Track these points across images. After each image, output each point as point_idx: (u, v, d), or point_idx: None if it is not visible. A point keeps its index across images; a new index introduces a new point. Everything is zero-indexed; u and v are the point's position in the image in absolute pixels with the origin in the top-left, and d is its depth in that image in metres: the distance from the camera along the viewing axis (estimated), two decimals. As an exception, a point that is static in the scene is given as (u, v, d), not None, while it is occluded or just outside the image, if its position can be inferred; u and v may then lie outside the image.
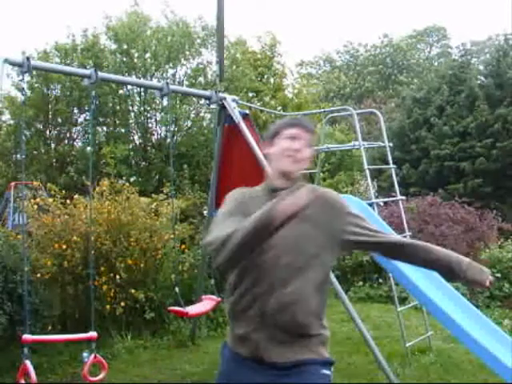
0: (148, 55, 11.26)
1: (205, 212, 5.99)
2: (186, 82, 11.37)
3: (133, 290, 5.29)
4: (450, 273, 2.02)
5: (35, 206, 5.41)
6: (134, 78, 10.24)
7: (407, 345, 4.83)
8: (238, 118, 4.39)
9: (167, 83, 4.25)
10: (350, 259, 8.29)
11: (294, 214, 1.62)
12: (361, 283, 8.09)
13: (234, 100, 4.54)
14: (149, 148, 11.60)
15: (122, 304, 5.22)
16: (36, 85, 10.91)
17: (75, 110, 11.50)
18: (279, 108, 12.80)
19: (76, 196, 5.70)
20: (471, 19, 49.61)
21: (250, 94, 12.78)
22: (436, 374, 4.48)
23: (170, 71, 11.66)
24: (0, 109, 11.28)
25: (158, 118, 11.54)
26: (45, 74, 10.34)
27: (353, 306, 3.94)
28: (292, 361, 1.88)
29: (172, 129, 10.77)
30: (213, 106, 4.91)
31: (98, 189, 5.61)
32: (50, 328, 4.67)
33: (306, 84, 16.02)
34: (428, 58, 33.89)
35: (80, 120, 11.74)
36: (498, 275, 7.66)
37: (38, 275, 4.79)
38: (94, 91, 8.63)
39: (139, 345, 5.26)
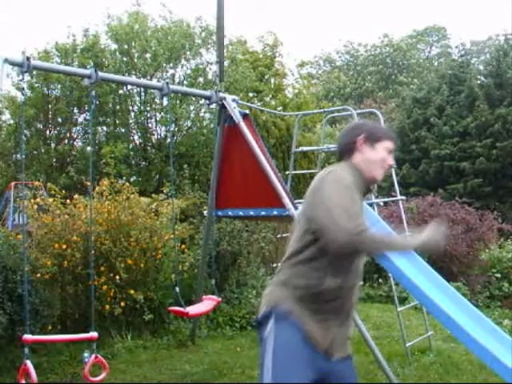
0: (148, 55, 11.26)
1: (205, 212, 5.98)
2: (185, 82, 11.36)
3: (132, 291, 5.28)
4: None
5: (35, 206, 5.41)
6: (134, 78, 10.23)
7: (407, 345, 4.83)
8: (238, 118, 4.39)
9: (167, 83, 4.25)
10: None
11: None
12: (361, 283, 8.09)
13: (234, 100, 4.54)
14: (149, 148, 11.60)
15: (122, 304, 5.22)
16: (36, 85, 10.90)
17: (75, 110, 11.49)
18: (279, 108, 12.80)
19: (76, 196, 5.69)
20: (471, 19, 49.64)
21: (251, 94, 12.78)
22: (436, 374, 4.48)
23: (170, 71, 11.66)
24: (0, 109, 11.27)
25: (157, 118, 11.53)
26: (45, 74, 10.33)
27: (353, 306, 3.94)
28: (343, 356, 2.05)
29: (172, 129, 10.77)
30: (213, 106, 4.91)
31: (97, 189, 5.60)
32: (49, 328, 4.66)
33: (307, 84, 15.99)
34: (428, 57, 33.90)
35: (80, 120, 11.74)
36: (498, 275, 7.67)
37: (38, 275, 4.78)
38: (93, 91, 8.62)
39: (139, 345, 5.26)
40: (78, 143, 11.94)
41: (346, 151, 2.14)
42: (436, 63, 32.39)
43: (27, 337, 3.31)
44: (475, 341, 3.39)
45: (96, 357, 3.51)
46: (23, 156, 9.26)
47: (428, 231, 1.99)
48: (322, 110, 7.98)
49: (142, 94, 11.32)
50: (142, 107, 11.35)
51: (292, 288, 1.98)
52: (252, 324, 6.00)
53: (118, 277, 5.17)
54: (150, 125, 11.64)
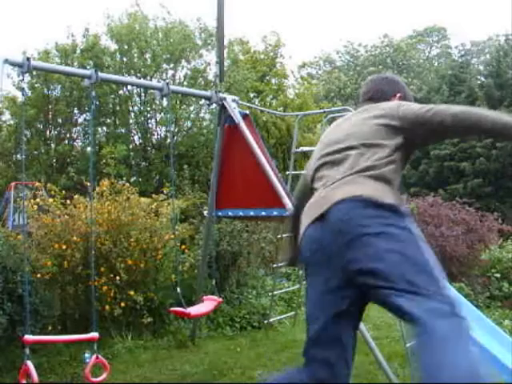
0: (148, 55, 11.27)
1: (205, 212, 5.98)
2: (185, 83, 11.37)
3: (132, 292, 5.28)
4: None
5: (35, 207, 5.41)
6: (133, 79, 10.24)
7: (407, 345, 4.82)
8: (238, 118, 4.39)
9: (167, 83, 4.25)
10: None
11: None
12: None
13: (234, 100, 4.54)
14: (149, 148, 11.62)
15: (122, 304, 5.22)
16: (36, 85, 10.92)
17: (75, 110, 11.51)
18: (280, 109, 12.81)
19: (76, 196, 5.69)
20: (471, 19, 49.64)
21: (252, 95, 12.79)
22: (436, 375, 4.47)
23: (170, 72, 11.68)
24: (0, 109, 11.29)
25: (158, 119, 11.55)
26: (45, 75, 10.34)
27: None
28: None
29: (172, 129, 10.78)
30: (213, 107, 4.92)
31: (98, 189, 5.60)
32: (50, 328, 4.66)
33: (307, 86, 16.01)
34: (428, 58, 33.90)
35: (80, 120, 11.76)
36: (498, 275, 7.67)
37: (38, 275, 4.78)
38: (94, 91, 8.65)
39: (139, 345, 5.25)
40: (78, 144, 11.97)
41: (377, 99, 2.17)
42: (436, 63, 32.40)
43: (28, 337, 3.31)
44: (475, 341, 3.40)
45: (97, 357, 3.51)
46: (23, 156, 9.28)
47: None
48: (322, 111, 7.96)
49: (142, 94, 11.34)
50: (142, 108, 11.37)
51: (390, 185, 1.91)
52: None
53: (118, 277, 5.17)
54: (150, 125, 11.66)
